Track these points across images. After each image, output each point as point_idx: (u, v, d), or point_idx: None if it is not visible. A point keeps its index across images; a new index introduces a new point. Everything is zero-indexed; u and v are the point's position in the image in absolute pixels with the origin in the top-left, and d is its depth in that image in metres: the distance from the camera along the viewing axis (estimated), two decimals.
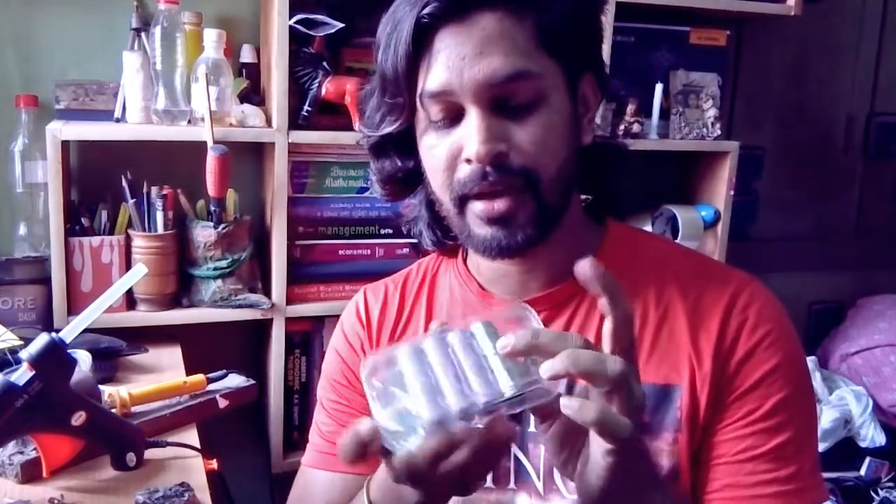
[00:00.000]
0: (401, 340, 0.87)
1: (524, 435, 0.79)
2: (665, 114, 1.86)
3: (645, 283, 0.79)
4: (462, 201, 0.74)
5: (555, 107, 0.72)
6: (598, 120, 0.88)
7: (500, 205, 0.72)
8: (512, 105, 0.71)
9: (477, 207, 0.73)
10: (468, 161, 0.71)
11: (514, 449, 0.79)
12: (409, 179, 0.82)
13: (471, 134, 0.70)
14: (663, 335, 0.77)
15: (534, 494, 0.78)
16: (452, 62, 0.70)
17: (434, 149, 0.75)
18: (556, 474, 0.77)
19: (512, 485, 0.80)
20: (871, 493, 1.86)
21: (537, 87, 0.71)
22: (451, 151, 0.73)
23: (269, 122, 1.56)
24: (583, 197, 0.85)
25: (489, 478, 0.81)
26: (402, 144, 0.79)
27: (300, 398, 1.68)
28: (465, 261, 0.88)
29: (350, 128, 1.55)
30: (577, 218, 0.81)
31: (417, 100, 0.74)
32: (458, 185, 0.73)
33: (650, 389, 0.75)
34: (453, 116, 0.72)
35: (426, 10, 0.70)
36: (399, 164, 0.81)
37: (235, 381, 1.27)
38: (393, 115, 0.77)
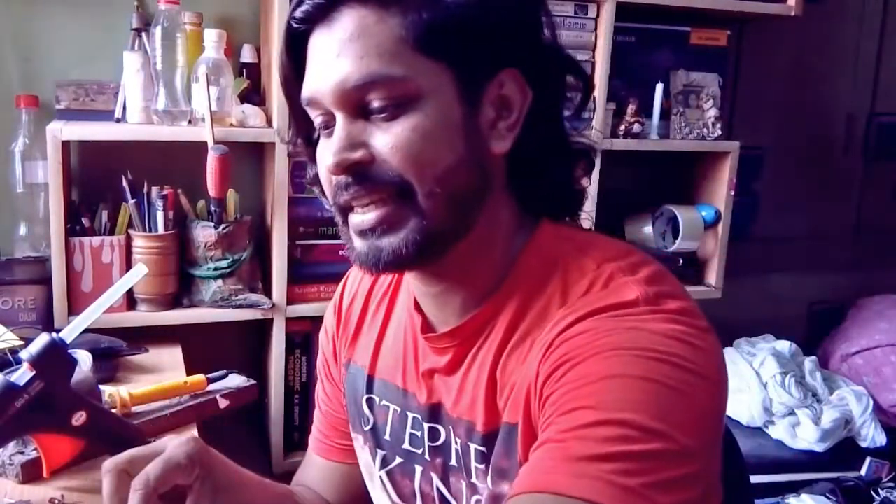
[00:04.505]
0: (359, 338, 0.85)
1: (446, 468, 0.75)
2: (665, 114, 1.86)
3: (543, 307, 0.68)
4: (342, 214, 0.69)
5: (430, 111, 0.64)
6: (597, 121, 0.80)
7: (370, 217, 0.66)
8: (374, 109, 0.64)
9: (353, 220, 0.68)
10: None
11: (437, 482, 0.76)
12: None
13: (331, 143, 0.66)
14: (530, 367, 0.66)
15: None
16: (317, 67, 0.66)
17: (320, 158, 0.70)
18: None
19: None
20: (872, 493, 1.86)
21: (402, 90, 0.63)
22: (326, 160, 0.68)
23: (269, 122, 1.56)
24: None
25: (419, 499, 0.78)
26: None
27: (300, 398, 1.68)
28: None
29: None
30: (497, 232, 0.71)
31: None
32: (331, 197, 0.69)
33: (506, 430, 0.67)
34: (332, 122, 0.67)
35: (295, 14, 0.66)
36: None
37: (235, 381, 1.26)
38: (294, 123, 0.74)
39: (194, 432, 1.12)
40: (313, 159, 0.74)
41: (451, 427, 0.73)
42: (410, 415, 0.77)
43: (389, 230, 0.66)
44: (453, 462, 0.74)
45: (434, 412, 0.75)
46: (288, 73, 0.70)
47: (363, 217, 0.67)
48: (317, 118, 0.69)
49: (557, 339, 0.63)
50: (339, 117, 0.66)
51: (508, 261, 0.71)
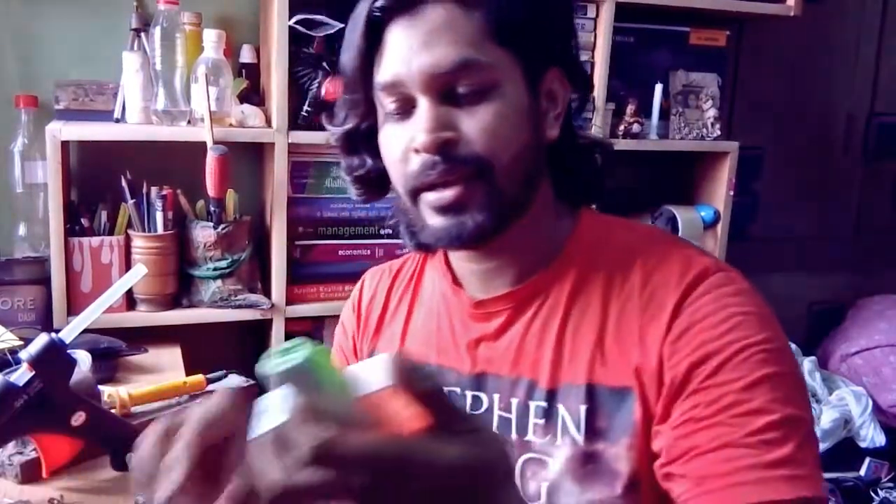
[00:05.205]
0: (382, 331, 0.89)
1: None
2: (665, 114, 1.86)
3: (605, 277, 0.76)
4: (415, 193, 0.74)
5: (508, 97, 0.72)
6: (594, 123, 0.87)
7: (450, 194, 0.72)
8: (461, 94, 0.71)
9: (429, 198, 0.73)
10: (417, 151, 0.72)
11: None
12: (382, 179, 0.82)
13: (418, 124, 0.71)
14: (622, 334, 0.73)
15: None
16: (401, 54, 0.71)
17: (390, 141, 0.75)
18: (517, 480, 0.75)
19: None
20: (871, 493, 1.86)
21: (487, 77, 0.71)
22: (403, 143, 0.73)
23: (268, 123, 1.56)
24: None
25: None
26: (371, 142, 0.79)
27: None
28: (445, 255, 0.87)
29: None
30: (545, 215, 0.79)
31: (374, 94, 0.75)
32: (411, 177, 0.73)
33: (608, 393, 0.72)
34: (407, 108, 0.73)
35: (377, 4, 0.72)
36: (369, 162, 0.81)
37: (235, 381, 1.27)
38: (353, 110, 0.79)
39: None
40: (355, 150, 0.81)
41: (497, 393, 0.77)
42: (445, 389, 0.80)
43: (470, 206, 0.72)
44: (495, 428, 0.77)
45: (478, 381, 0.79)
46: (363, 59, 0.74)
47: (443, 194, 0.72)
48: (390, 104, 0.74)
49: (676, 323, 0.70)
50: (424, 101, 0.71)
51: (556, 241, 0.79)
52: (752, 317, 0.70)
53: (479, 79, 0.71)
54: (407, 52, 0.71)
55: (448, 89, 0.71)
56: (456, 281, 0.83)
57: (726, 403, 0.66)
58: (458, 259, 0.82)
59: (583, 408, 0.73)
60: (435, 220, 0.73)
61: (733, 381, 0.67)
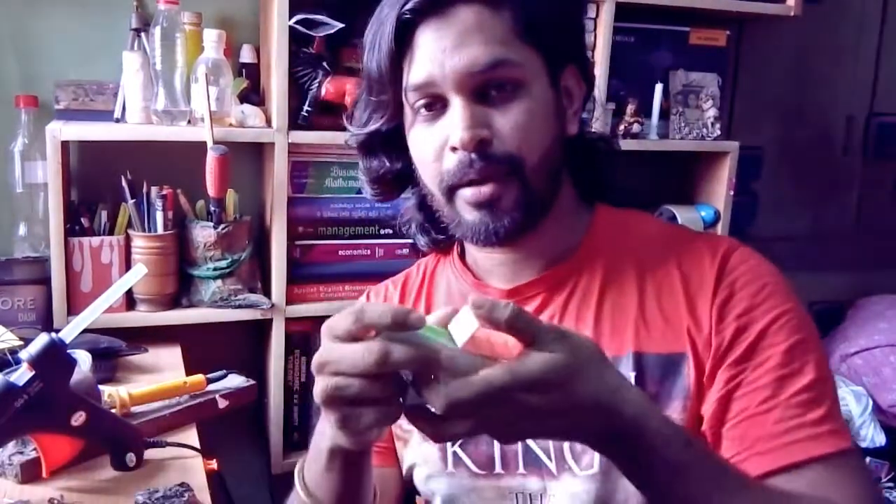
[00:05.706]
0: None
1: None
2: (665, 114, 1.86)
3: (635, 260, 0.81)
4: (451, 191, 0.76)
5: (536, 95, 0.75)
6: (595, 119, 0.90)
7: (486, 190, 0.74)
8: (493, 93, 0.73)
9: (465, 194, 0.75)
10: (454, 149, 0.74)
11: None
12: (399, 180, 0.85)
13: (455, 122, 0.73)
14: (664, 307, 0.78)
15: (546, 475, 0.79)
16: (434, 55, 0.73)
17: (422, 141, 0.77)
18: (567, 453, 0.77)
19: (521, 469, 0.80)
20: None
21: (518, 75, 0.74)
22: (437, 142, 0.75)
23: (268, 123, 1.56)
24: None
25: (498, 463, 0.81)
26: (391, 144, 0.82)
27: (300, 398, 1.67)
28: (460, 256, 0.89)
29: None
30: (567, 206, 0.83)
31: (403, 95, 0.77)
32: (447, 175, 0.76)
33: (656, 360, 0.76)
34: (438, 108, 0.75)
35: (407, 7, 0.73)
36: (387, 164, 0.83)
37: (235, 381, 1.27)
38: (379, 112, 0.80)
39: (194, 433, 1.13)
40: (375, 152, 0.83)
41: None
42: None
43: (505, 203, 0.75)
44: None
45: None
46: (393, 61, 0.75)
47: (480, 190, 0.74)
48: (420, 104, 0.76)
49: (720, 290, 0.76)
50: (459, 100, 0.73)
51: (576, 232, 0.83)
52: (779, 286, 0.77)
53: (510, 77, 0.73)
54: (440, 54, 0.72)
55: (480, 89, 0.73)
56: (477, 277, 0.86)
57: (771, 366, 0.72)
58: (483, 252, 0.84)
59: (631, 375, 0.76)
60: (471, 216, 0.76)
61: (776, 346, 0.72)
